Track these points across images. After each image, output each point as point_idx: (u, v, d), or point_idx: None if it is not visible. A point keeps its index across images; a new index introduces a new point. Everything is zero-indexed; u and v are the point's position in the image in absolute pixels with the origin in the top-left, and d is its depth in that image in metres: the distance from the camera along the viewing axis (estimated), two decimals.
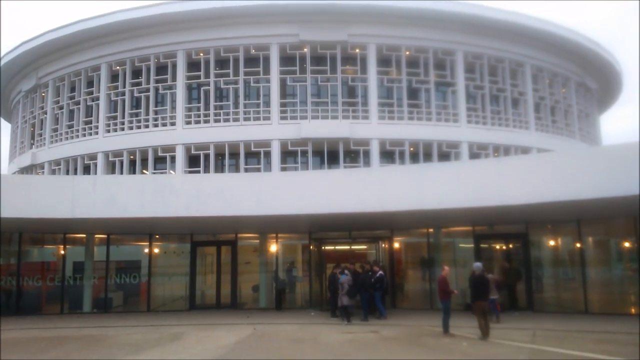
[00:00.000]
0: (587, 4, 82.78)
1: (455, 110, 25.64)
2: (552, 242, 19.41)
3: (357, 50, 25.06)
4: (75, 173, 26.41)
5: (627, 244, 17.58)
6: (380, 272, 17.01)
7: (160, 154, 24.78)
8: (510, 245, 19.13)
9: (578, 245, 17.56)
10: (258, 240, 20.82)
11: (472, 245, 18.72)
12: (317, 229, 19.81)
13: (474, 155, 24.99)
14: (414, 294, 20.23)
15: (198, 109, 25.29)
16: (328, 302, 18.03)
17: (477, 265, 13.51)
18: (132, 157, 25.65)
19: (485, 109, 26.22)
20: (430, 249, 19.35)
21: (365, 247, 21.92)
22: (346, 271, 16.74)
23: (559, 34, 27.53)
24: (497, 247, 19.67)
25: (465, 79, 25.92)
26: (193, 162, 24.72)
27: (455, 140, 25.05)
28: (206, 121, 24.85)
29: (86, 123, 27.10)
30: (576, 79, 30.31)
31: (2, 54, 30.64)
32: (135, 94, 26.13)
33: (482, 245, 18.89)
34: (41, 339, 14.03)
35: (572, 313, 16.73)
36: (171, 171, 24.44)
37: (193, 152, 24.49)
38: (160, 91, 25.87)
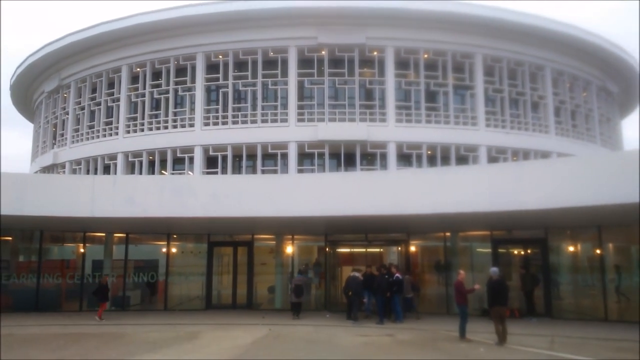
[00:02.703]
0: (600, 3, 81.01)
1: (473, 113, 25.47)
2: (571, 248, 19.13)
3: (375, 53, 25.06)
4: (96, 173, 26.81)
5: None
6: (398, 275, 16.95)
7: (179, 154, 25.05)
8: (529, 251, 18.90)
9: (598, 251, 17.29)
10: (274, 242, 20.90)
11: (489, 250, 18.55)
12: (333, 231, 19.82)
13: (492, 159, 24.77)
14: (430, 298, 20.11)
15: (216, 110, 25.52)
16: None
17: (494, 270, 13.41)
18: (151, 157, 25.97)
19: (505, 113, 25.98)
20: (447, 253, 19.23)
21: (381, 250, 21.84)
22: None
23: (580, 37, 27.17)
24: (515, 252, 19.44)
25: (484, 82, 25.73)
26: (211, 163, 24.93)
27: (473, 144, 24.85)
28: (224, 123, 25.05)
29: (107, 124, 27.52)
30: (597, 83, 29.87)
31: (25, 56, 31.31)
32: (155, 96, 26.48)
33: (500, 250, 18.69)
34: (60, 336, 14.25)
35: (591, 320, 16.47)
36: (189, 172, 24.67)
37: (211, 153, 24.71)
38: (180, 93, 26.16)
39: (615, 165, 13.97)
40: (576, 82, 28.75)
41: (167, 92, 26.06)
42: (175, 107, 26.22)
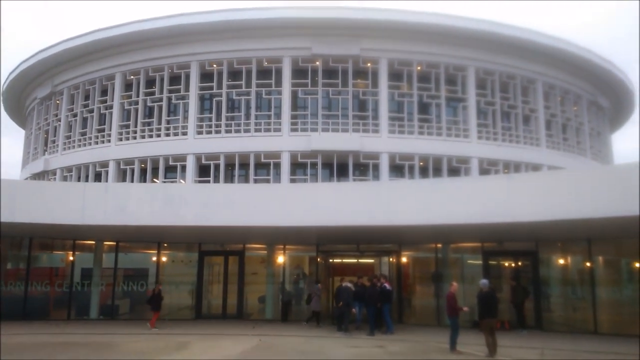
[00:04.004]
0: (594, 4, 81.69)
1: (465, 125, 25.63)
2: (561, 261, 19.24)
3: (369, 65, 25.20)
4: (87, 180, 26.64)
5: (638, 265, 17.36)
6: (386, 284, 16.91)
7: (171, 163, 24.98)
8: (520, 263, 18.96)
9: (588, 264, 17.39)
10: (265, 251, 20.84)
11: (480, 262, 18.60)
12: (324, 241, 19.80)
13: (484, 171, 24.90)
14: (421, 309, 20.09)
15: (210, 119, 25.51)
16: (334, 315, 17.95)
17: (484, 282, 13.44)
18: (143, 165, 25.86)
19: (496, 125, 26.18)
20: (438, 264, 19.25)
21: (372, 260, 21.83)
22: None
23: (571, 52, 27.51)
24: (506, 264, 19.50)
25: (476, 94, 25.93)
26: (203, 171, 24.88)
27: (465, 156, 24.99)
28: (217, 131, 25.04)
29: (99, 131, 27.41)
30: (588, 97, 30.21)
31: (18, 62, 31.20)
32: (148, 104, 26.42)
33: (490, 262, 18.75)
34: (48, 345, 14.09)
35: (582, 333, 16.52)
36: (181, 180, 24.59)
37: (203, 161, 24.66)
38: (173, 101, 26.13)
39: (608, 178, 14.07)
40: (567, 96, 29.06)
41: (161, 100, 26.02)
42: (169, 116, 26.18)
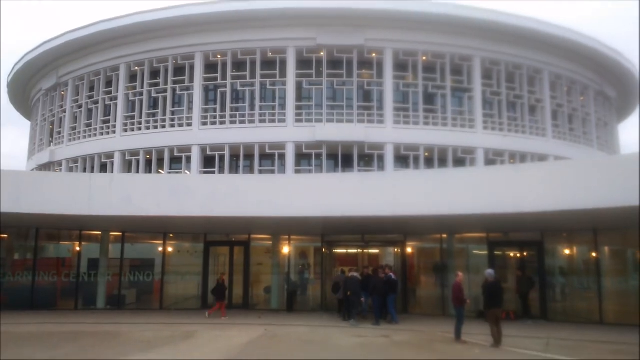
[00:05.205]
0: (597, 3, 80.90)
1: (471, 116, 25.51)
2: (567, 251, 19.20)
3: (374, 55, 25.07)
4: (92, 171, 26.74)
5: None
6: (391, 274, 16.93)
7: (176, 154, 25.01)
8: (525, 253, 18.93)
9: (594, 254, 17.34)
10: (271, 242, 20.88)
11: (486, 252, 18.59)
12: (330, 232, 19.83)
13: (489, 162, 24.81)
14: (427, 299, 20.14)
15: (214, 110, 25.49)
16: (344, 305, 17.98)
17: (490, 272, 13.43)
18: (148, 156, 25.92)
19: (502, 116, 26.04)
20: (443, 254, 19.27)
21: (378, 251, 21.86)
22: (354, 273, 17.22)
23: (578, 41, 27.27)
24: (512, 254, 19.49)
25: (482, 85, 25.77)
26: (208, 162, 24.91)
27: (471, 146, 24.89)
28: (222, 122, 25.04)
29: (104, 122, 27.47)
30: (595, 87, 29.98)
31: (23, 53, 31.24)
32: (153, 95, 26.43)
33: (496, 253, 18.74)
34: (56, 334, 14.21)
35: (587, 323, 16.51)
36: (186, 171, 24.63)
37: (208, 152, 24.67)
38: (178, 92, 26.12)
39: (614, 168, 13.99)
40: (574, 86, 28.85)
41: (165, 91, 26.01)
42: (173, 107, 26.17)
